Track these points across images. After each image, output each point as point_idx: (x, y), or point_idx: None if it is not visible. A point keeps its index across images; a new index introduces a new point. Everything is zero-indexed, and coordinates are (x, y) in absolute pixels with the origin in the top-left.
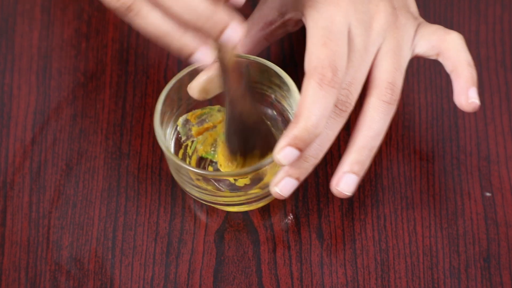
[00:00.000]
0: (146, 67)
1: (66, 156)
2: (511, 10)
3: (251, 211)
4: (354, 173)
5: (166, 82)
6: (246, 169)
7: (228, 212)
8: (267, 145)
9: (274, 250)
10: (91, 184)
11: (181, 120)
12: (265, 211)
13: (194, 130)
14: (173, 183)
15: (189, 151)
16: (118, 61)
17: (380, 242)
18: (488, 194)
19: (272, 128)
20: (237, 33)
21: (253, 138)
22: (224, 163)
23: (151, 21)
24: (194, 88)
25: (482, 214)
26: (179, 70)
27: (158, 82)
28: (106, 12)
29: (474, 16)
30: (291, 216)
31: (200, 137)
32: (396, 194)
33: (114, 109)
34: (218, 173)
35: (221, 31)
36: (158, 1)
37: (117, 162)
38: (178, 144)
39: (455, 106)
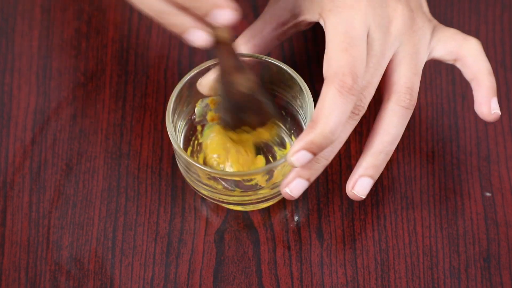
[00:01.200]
0: (146, 67)
1: (66, 156)
2: (511, 10)
3: (251, 211)
4: (369, 176)
5: (166, 82)
6: (257, 169)
7: (228, 212)
8: (260, 118)
9: (274, 250)
10: (91, 184)
11: (201, 102)
12: (265, 211)
13: (209, 114)
14: (173, 183)
15: (199, 135)
16: (118, 61)
17: (380, 242)
18: (488, 194)
19: (268, 102)
20: (225, 16)
21: (244, 109)
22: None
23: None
24: (204, 85)
25: (482, 214)
26: (179, 70)
27: (158, 82)
28: (106, 12)
29: (474, 16)
30: (291, 216)
31: (211, 133)
32: (396, 194)
33: (114, 109)
34: (228, 172)
35: (210, 11)
36: None
37: (117, 162)
38: (187, 142)
39: (455, 106)
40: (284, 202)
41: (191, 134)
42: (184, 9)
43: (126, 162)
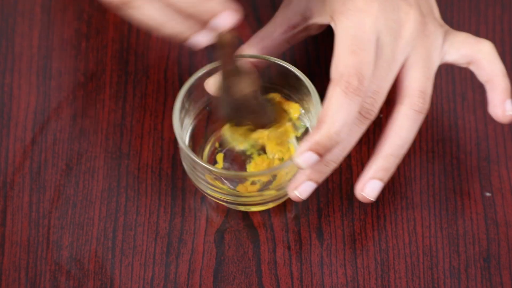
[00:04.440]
0: (146, 67)
1: (66, 156)
2: (511, 10)
3: (251, 211)
4: (379, 179)
5: (166, 82)
6: (262, 171)
7: (228, 212)
8: (260, 121)
9: (274, 250)
10: (91, 184)
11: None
12: (265, 211)
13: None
14: (173, 183)
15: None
16: (118, 61)
17: (380, 242)
18: (488, 194)
19: (267, 105)
20: (227, 21)
21: (242, 111)
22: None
23: (148, 12)
24: (212, 85)
25: (482, 214)
26: (179, 70)
27: (158, 82)
28: (106, 12)
29: (474, 16)
30: (291, 216)
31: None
32: (396, 194)
33: (114, 109)
34: (231, 172)
35: (215, 16)
36: None
37: (117, 162)
38: (193, 140)
39: (455, 106)
40: (284, 202)
41: (198, 133)
42: (186, 17)
43: (126, 162)
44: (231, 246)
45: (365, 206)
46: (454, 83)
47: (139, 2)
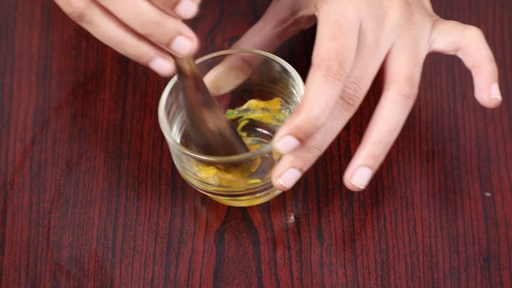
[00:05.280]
0: (146, 67)
1: (66, 156)
2: (511, 10)
3: (251, 211)
4: (368, 166)
5: (166, 82)
6: (244, 154)
7: (228, 212)
8: (228, 162)
9: (274, 250)
10: (91, 184)
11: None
12: (265, 211)
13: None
14: (173, 183)
15: None
16: (118, 61)
17: (380, 242)
18: (488, 194)
19: (237, 141)
20: (187, 44)
21: (212, 146)
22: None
23: (104, 30)
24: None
25: (482, 214)
26: None
27: (158, 82)
28: None
29: (474, 16)
30: (291, 216)
31: None
32: (396, 194)
33: (114, 109)
34: (215, 158)
35: (171, 40)
36: (107, 7)
37: (117, 162)
38: (186, 140)
39: (455, 106)
40: (284, 202)
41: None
42: (144, 38)
43: (126, 162)
44: (231, 246)
45: (365, 206)
46: (454, 83)
47: (92, 17)
